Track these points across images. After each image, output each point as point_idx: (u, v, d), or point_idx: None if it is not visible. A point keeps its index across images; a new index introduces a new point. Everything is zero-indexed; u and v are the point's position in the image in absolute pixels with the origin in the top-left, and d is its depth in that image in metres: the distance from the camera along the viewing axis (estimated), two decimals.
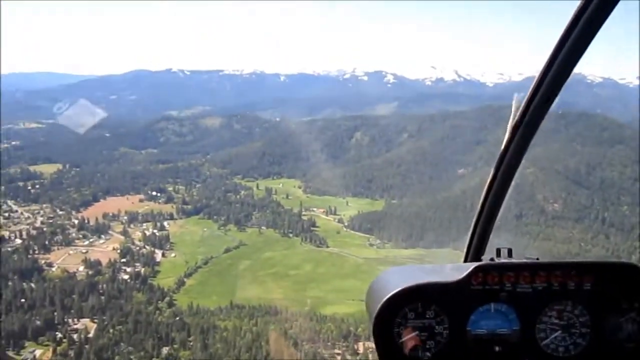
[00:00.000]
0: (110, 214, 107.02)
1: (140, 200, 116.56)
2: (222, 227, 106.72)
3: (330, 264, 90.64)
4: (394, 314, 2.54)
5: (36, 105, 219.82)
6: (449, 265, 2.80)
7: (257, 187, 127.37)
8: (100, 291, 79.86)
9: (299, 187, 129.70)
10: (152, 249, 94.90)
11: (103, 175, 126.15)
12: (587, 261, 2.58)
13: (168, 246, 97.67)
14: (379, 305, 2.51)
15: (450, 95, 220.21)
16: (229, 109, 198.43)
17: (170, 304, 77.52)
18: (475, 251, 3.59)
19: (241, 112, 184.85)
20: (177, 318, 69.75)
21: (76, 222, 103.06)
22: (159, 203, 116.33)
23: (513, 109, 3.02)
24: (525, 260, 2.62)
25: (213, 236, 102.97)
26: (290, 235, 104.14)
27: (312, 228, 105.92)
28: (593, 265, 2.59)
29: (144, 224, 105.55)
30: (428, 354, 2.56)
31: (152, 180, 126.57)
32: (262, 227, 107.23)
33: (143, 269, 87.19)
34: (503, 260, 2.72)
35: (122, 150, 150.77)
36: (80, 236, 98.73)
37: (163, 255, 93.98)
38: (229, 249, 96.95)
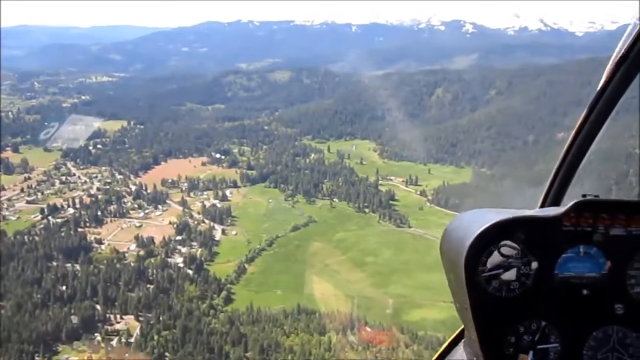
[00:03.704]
0: (170, 180, 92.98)
1: (203, 164, 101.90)
2: (289, 198, 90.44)
3: (413, 250, 72.54)
4: (481, 252, 2.33)
5: (109, 58, 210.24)
6: (533, 210, 2.51)
7: (329, 149, 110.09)
8: (150, 277, 65.82)
9: (374, 151, 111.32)
10: (212, 223, 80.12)
11: (167, 134, 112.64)
12: None
13: (229, 221, 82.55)
14: (468, 242, 2.29)
15: (536, 45, 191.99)
16: (299, 61, 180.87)
17: (227, 300, 62.49)
18: (554, 198, 3.20)
19: (311, 65, 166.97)
20: (233, 327, 53.96)
21: (133, 188, 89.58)
22: (223, 167, 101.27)
23: (622, 39, 2.57)
24: (623, 199, 2.39)
25: (279, 209, 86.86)
26: (366, 210, 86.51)
27: (390, 202, 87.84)
28: None
29: (205, 193, 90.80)
30: (513, 294, 2.38)
31: (217, 140, 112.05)
32: (334, 199, 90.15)
33: (199, 251, 72.67)
34: (603, 198, 2.42)
35: (188, 106, 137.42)
36: (136, 206, 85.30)
37: (223, 232, 78.92)
38: (297, 227, 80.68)
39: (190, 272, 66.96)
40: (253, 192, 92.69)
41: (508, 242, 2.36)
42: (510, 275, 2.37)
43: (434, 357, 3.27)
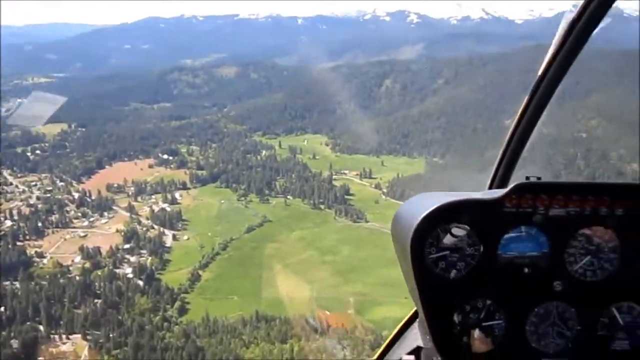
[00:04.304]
0: (115, 185, 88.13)
1: (150, 166, 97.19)
2: (242, 198, 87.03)
3: (372, 245, 70.34)
4: (426, 235, 2.42)
5: (46, 58, 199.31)
6: (479, 192, 2.59)
7: (280, 145, 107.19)
8: (98, 292, 61.42)
9: (327, 145, 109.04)
10: (162, 229, 75.98)
11: (110, 136, 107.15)
12: (622, 183, 2.47)
13: (180, 225, 78.61)
14: (414, 225, 2.37)
15: (480, 34, 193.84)
16: (246, 56, 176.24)
17: (182, 310, 58.87)
18: (501, 179, 3.36)
19: (258, 59, 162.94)
20: (189, 340, 50.51)
21: (76, 196, 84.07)
22: (171, 168, 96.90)
23: (559, 30, 2.75)
24: (559, 181, 2.48)
25: (232, 210, 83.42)
26: (322, 206, 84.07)
27: (346, 197, 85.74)
28: (628, 187, 2.47)
29: (153, 196, 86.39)
30: (459, 274, 2.47)
31: (164, 140, 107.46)
32: (288, 197, 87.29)
33: (150, 259, 68.57)
34: (542, 181, 2.56)
35: (132, 106, 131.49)
36: (80, 215, 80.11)
37: (174, 237, 74.94)
38: (252, 228, 77.50)
39: (140, 282, 62.90)
40: (204, 194, 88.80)
41: (453, 225, 2.41)
42: (456, 256, 2.43)
43: (391, 336, 3.35)
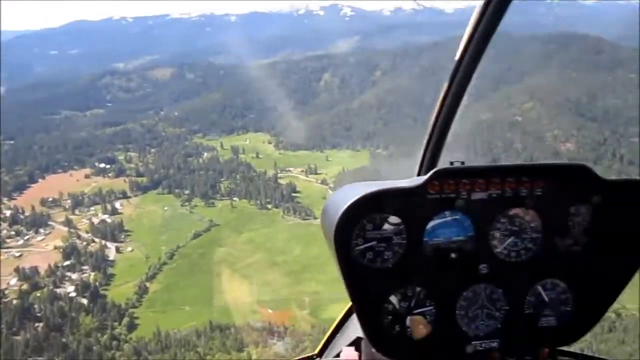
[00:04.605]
0: (50, 199, 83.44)
1: (86, 176, 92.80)
2: (186, 203, 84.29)
3: (322, 242, 65.38)
4: (352, 226, 2.36)
5: None
6: (405, 180, 2.57)
7: (222, 146, 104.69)
8: (38, 314, 57.70)
9: (269, 143, 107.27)
10: (104, 242, 72.52)
11: (41, 148, 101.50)
12: (539, 164, 2.50)
13: (123, 236, 75.14)
14: (337, 217, 2.31)
15: (413, 25, 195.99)
16: (180, 56, 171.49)
17: (131, 327, 56.08)
18: (428, 166, 3.49)
19: (193, 59, 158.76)
20: (141, 358, 48.05)
21: (8, 213, 78.97)
22: (109, 177, 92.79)
23: (471, 19, 2.87)
24: (478, 165, 2.49)
25: (177, 216, 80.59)
26: (269, 206, 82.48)
27: (293, 194, 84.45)
28: (545, 167, 2.52)
29: (92, 208, 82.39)
30: (387, 264, 2.44)
31: (99, 148, 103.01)
32: (234, 199, 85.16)
33: (93, 275, 65.18)
34: (460, 166, 2.57)
35: (63, 114, 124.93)
36: (13, 233, 75.32)
37: (118, 250, 71.59)
38: (199, 233, 75.07)
39: (84, 301, 59.49)
40: (146, 201, 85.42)
41: (378, 214, 2.39)
42: (383, 246, 2.40)
43: (331, 328, 3.34)
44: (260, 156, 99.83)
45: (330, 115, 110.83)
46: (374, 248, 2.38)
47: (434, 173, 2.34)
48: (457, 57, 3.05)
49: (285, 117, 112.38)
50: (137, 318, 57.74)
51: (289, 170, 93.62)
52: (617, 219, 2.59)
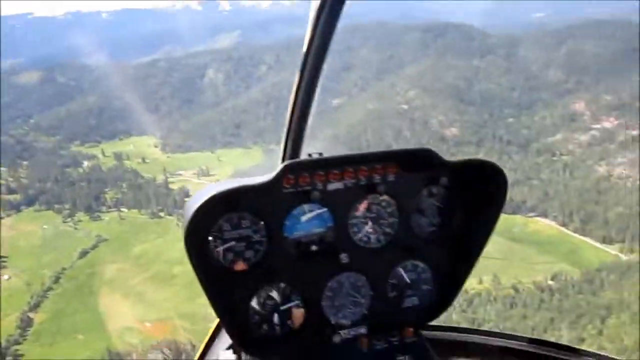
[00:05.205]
0: None
1: None
2: (68, 219, 77.35)
3: None
4: (208, 227, 2.37)
5: None
6: (261, 177, 2.52)
7: (103, 153, 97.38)
8: None
9: (156, 146, 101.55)
10: None
11: None
12: (388, 150, 2.58)
13: None
14: (189, 217, 2.27)
15: (291, 18, 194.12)
16: (48, 58, 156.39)
17: None
18: (290, 159, 3.19)
19: (64, 61, 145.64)
20: None
21: None
22: None
23: (311, 11, 2.85)
24: (330, 156, 2.53)
25: (59, 234, 73.60)
26: (161, 214, 77.79)
27: (186, 200, 79.05)
28: (393, 154, 2.59)
29: None
30: (249, 263, 2.46)
31: None
32: (122, 209, 79.19)
33: None
34: (310, 158, 2.65)
35: None
36: None
37: None
38: (86, 251, 68.97)
39: None
40: (21, 221, 77.00)
41: (234, 213, 2.37)
42: (243, 245, 2.41)
43: (210, 332, 3.17)
44: (147, 161, 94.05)
45: (218, 113, 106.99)
46: (234, 248, 2.38)
47: (283, 167, 2.31)
48: (304, 49, 2.98)
49: (170, 117, 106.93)
50: (22, 356, 51.46)
51: (180, 174, 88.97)
52: (465, 197, 2.72)
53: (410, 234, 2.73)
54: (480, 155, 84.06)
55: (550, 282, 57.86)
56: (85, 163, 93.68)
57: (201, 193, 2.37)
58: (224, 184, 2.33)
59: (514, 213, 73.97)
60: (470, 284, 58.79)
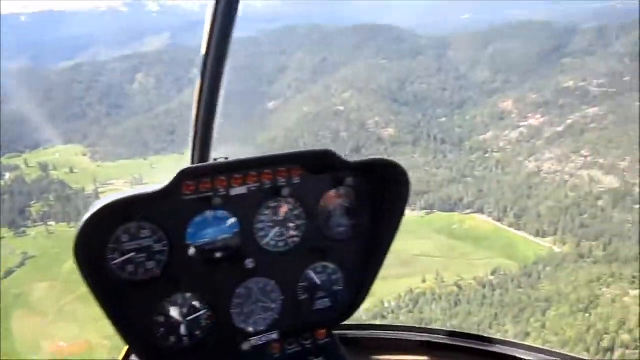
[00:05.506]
0: None
1: None
2: None
3: None
4: (103, 239, 2.27)
5: None
6: (155, 185, 2.46)
7: (26, 163, 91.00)
8: None
9: (84, 155, 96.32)
10: None
11: None
12: (288, 152, 2.55)
13: None
14: (78, 231, 2.19)
15: None
16: None
17: None
18: (198, 163, 3.27)
19: None
20: None
21: None
22: None
23: (208, 12, 2.79)
24: (230, 160, 2.47)
25: None
26: None
27: None
28: (294, 156, 2.56)
29: None
30: (150, 274, 2.37)
31: None
32: (50, 223, 74.45)
33: None
34: (207, 163, 2.65)
35: None
36: None
37: None
38: (11, 270, 63.76)
39: None
40: None
41: (132, 223, 2.27)
42: (144, 256, 2.32)
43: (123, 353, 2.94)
44: (75, 171, 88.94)
45: (150, 119, 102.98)
46: (134, 260, 2.29)
47: (178, 174, 2.21)
48: (203, 51, 2.87)
49: (99, 124, 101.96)
50: None
51: (111, 183, 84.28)
52: (370, 196, 2.70)
53: (319, 236, 2.67)
54: (417, 155, 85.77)
55: (490, 277, 59.26)
56: (7, 175, 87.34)
57: (95, 204, 2.22)
58: (120, 194, 2.20)
59: (451, 211, 75.48)
60: (415, 283, 59.40)
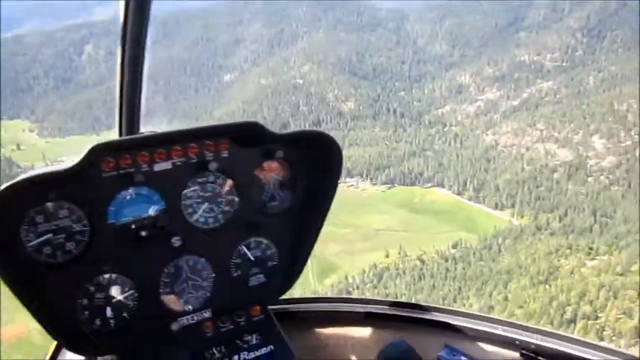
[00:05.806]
0: None
1: None
2: None
3: None
4: (14, 220, 2.10)
5: None
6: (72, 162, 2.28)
7: None
8: None
9: (31, 130, 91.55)
10: None
11: None
12: (213, 125, 2.42)
13: None
14: None
15: None
16: None
17: None
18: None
19: None
20: None
21: None
22: None
23: None
24: (150, 134, 2.36)
25: None
26: None
27: None
28: (219, 128, 2.44)
29: None
30: (70, 255, 2.24)
31: None
32: None
33: None
34: (122, 138, 2.48)
35: None
36: None
37: None
38: None
39: None
40: None
41: (47, 203, 2.14)
42: (62, 237, 2.19)
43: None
44: (23, 147, 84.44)
45: (102, 92, 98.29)
46: (51, 241, 2.15)
47: (88, 150, 2.07)
48: (121, 21, 2.78)
49: (46, 98, 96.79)
50: None
51: (62, 161, 79.98)
52: (303, 168, 2.62)
53: (251, 211, 2.58)
54: (377, 130, 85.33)
55: (452, 251, 59.79)
56: None
57: (3, 185, 2.09)
58: (31, 172, 2.07)
59: (412, 184, 75.69)
60: (378, 258, 59.36)
